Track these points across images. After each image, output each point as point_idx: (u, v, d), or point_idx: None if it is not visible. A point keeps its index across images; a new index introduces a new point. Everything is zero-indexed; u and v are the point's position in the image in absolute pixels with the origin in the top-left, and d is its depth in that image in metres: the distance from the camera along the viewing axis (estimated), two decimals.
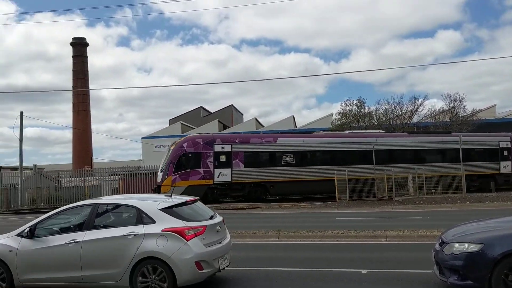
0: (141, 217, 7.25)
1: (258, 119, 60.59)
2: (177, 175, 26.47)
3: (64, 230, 7.62)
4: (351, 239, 12.21)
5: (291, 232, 13.27)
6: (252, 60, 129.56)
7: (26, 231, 7.60)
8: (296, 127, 53.72)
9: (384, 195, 25.62)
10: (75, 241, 7.24)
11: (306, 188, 28.59)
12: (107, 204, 7.91)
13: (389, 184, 25.56)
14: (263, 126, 56.18)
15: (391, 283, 7.88)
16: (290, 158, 28.51)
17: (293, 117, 58.47)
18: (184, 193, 25.58)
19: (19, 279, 7.46)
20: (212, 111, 67.71)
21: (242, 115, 73.12)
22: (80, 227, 7.50)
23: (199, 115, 64.53)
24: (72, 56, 56.38)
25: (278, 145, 28.54)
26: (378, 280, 8.07)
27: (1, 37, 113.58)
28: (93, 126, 56.45)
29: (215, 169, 27.06)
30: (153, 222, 7.17)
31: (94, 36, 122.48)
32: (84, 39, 58.39)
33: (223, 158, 27.29)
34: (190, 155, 27.11)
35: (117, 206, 7.83)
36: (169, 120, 65.62)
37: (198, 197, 8.41)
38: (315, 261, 9.73)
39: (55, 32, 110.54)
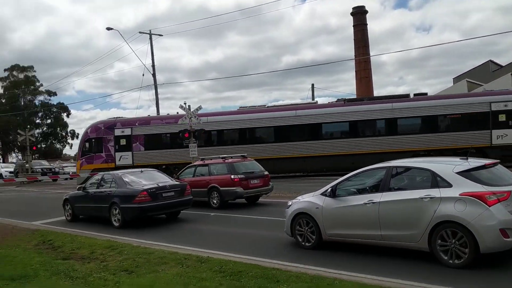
0: (436, 181, 7.14)
1: None
2: (83, 159, 29.14)
3: (361, 191, 8.16)
4: None
5: None
6: None
7: (328, 190, 8.50)
8: None
9: None
10: (372, 201, 7.68)
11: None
12: (400, 167, 8.02)
13: None
14: None
15: None
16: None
17: None
18: None
19: (325, 233, 8.42)
20: (503, 64, 59.85)
21: None
22: (376, 189, 7.90)
23: (487, 70, 57.98)
24: (353, 26, 58.29)
25: (179, 126, 25.85)
26: None
27: (291, 18, 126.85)
28: (375, 92, 57.64)
29: (116, 153, 28.65)
30: (449, 185, 6.97)
31: (372, 3, 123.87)
32: (363, 7, 59.47)
33: (123, 141, 28.64)
34: (93, 140, 29.22)
35: (408, 169, 7.90)
36: (453, 78, 61.30)
37: (498, 160, 7.73)
38: None
39: (335, 5, 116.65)
